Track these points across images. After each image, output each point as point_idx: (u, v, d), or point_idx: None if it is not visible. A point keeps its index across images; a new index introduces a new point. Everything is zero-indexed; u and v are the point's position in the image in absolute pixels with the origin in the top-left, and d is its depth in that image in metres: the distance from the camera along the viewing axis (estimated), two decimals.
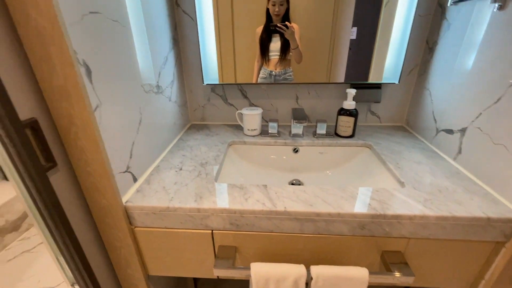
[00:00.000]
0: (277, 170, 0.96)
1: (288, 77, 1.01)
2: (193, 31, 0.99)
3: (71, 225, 0.60)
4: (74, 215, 0.61)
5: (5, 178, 1.68)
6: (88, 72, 0.52)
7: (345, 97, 1.03)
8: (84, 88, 0.51)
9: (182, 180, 0.74)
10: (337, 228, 0.63)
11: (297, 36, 0.94)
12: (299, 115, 0.92)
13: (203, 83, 1.04)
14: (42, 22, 0.45)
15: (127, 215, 0.66)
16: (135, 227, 0.68)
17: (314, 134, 1.00)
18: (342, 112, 0.95)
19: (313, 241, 0.65)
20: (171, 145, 0.95)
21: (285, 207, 0.62)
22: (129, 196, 0.67)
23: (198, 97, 1.11)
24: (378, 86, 1.03)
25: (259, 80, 1.01)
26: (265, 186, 0.70)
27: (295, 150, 0.97)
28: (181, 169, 0.79)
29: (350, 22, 0.91)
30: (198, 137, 1.02)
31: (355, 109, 0.95)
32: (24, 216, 1.63)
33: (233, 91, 1.08)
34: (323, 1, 0.89)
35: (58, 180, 0.56)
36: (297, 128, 0.98)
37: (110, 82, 0.60)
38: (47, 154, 0.54)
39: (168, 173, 0.77)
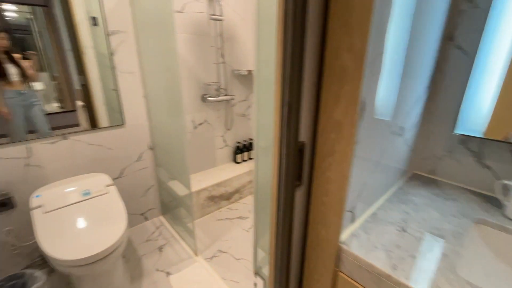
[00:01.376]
0: None
1: None
2: (461, 69, 0.80)
3: (292, 238, 0.64)
4: (295, 231, 0.65)
5: (234, 161, 2.29)
6: (362, 109, 0.52)
7: None
8: (356, 125, 0.51)
9: (408, 246, 0.60)
10: None
11: None
12: None
13: (451, 131, 0.83)
14: (348, 61, 0.48)
15: (337, 255, 0.62)
16: (340, 271, 0.63)
17: None
18: None
19: None
20: (390, 192, 0.83)
21: None
22: (345, 237, 0.63)
23: (435, 146, 0.90)
24: None
25: None
26: None
27: None
28: (404, 230, 0.66)
29: None
30: (424, 193, 0.83)
31: None
32: (235, 192, 2.16)
33: (499, 150, 0.78)
34: None
35: (298, 198, 0.62)
36: None
37: (370, 120, 0.57)
38: (299, 174, 0.60)
39: (388, 229, 0.66)
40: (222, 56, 1.92)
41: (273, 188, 0.60)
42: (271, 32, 0.56)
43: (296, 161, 0.56)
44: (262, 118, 0.80)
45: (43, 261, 1.39)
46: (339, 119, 0.52)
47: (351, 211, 0.64)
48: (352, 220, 0.66)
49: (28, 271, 1.15)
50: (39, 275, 1.13)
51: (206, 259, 1.55)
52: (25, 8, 1.18)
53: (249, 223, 1.92)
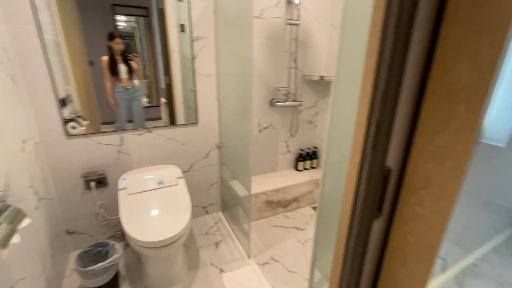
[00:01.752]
0: None
1: None
2: None
3: (362, 274, 0.56)
4: (366, 267, 0.57)
5: (296, 168, 2.23)
6: (480, 137, 0.41)
7: None
8: (470, 155, 0.40)
9: None
10: None
11: None
12: None
13: None
14: (468, 78, 0.38)
15: None
16: None
17: None
18: None
19: None
20: (498, 240, 0.65)
21: None
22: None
23: None
24: None
25: None
26: None
27: None
28: None
29: None
30: None
31: None
32: (293, 200, 2.10)
33: None
34: None
35: (374, 230, 0.53)
36: None
37: (480, 146, 0.45)
38: (380, 204, 0.52)
39: None
40: (295, 60, 1.89)
41: (345, 213, 0.53)
42: (360, 35, 0.50)
43: (379, 189, 0.48)
44: (337, 130, 0.73)
45: (121, 235, 1.62)
46: (444, 145, 0.42)
47: (443, 258, 0.52)
48: (444, 269, 0.54)
49: (111, 242, 1.35)
50: (118, 247, 1.31)
51: (258, 264, 1.54)
52: (132, 18, 1.39)
53: (305, 235, 1.83)
